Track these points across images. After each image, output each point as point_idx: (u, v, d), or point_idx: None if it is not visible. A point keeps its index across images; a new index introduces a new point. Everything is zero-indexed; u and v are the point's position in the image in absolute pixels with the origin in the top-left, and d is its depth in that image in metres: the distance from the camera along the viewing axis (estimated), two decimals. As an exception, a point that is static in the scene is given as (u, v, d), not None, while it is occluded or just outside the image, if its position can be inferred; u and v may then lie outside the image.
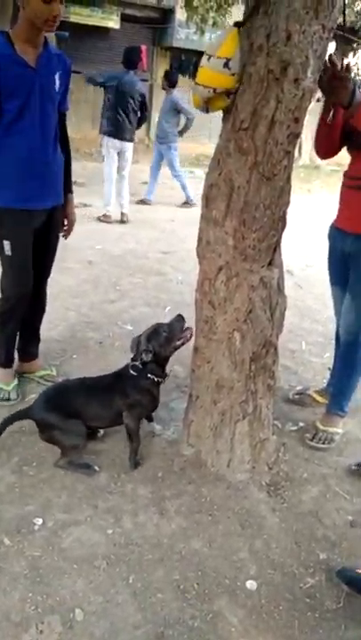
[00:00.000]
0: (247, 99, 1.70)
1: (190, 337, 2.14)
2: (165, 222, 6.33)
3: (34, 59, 2.10)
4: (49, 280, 2.61)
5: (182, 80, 13.73)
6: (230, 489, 2.08)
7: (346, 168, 2.35)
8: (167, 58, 13.57)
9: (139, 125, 6.11)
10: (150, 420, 2.39)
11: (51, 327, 3.18)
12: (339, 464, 2.31)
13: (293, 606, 1.65)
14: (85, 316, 3.51)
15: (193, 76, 13.35)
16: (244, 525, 1.92)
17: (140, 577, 1.68)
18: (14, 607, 1.55)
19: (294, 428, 2.52)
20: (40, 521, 1.85)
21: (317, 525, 1.97)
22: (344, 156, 2.39)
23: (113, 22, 12.39)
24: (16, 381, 2.52)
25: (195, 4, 9.30)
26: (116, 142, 5.93)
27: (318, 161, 12.62)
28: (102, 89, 6.03)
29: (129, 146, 6.05)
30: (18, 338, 2.57)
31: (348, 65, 1.89)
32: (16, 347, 2.71)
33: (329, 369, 2.93)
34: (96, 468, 2.10)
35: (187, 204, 7.11)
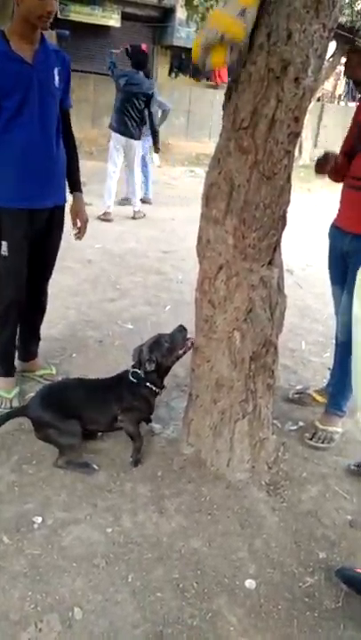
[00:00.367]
0: (247, 97, 1.70)
1: (191, 346, 2.16)
2: (165, 221, 6.33)
3: (30, 55, 2.09)
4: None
5: (182, 79, 13.79)
6: (230, 488, 2.08)
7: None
8: (167, 57, 13.58)
9: (152, 128, 6.05)
10: (148, 421, 2.39)
11: (50, 326, 3.18)
12: (338, 464, 2.31)
13: (292, 605, 1.65)
14: (85, 315, 3.51)
15: (193, 74, 13.40)
16: (243, 525, 1.92)
17: (139, 576, 1.68)
18: (13, 605, 1.55)
19: (294, 427, 2.52)
20: (39, 519, 1.85)
21: (317, 525, 1.97)
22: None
23: (113, 21, 12.39)
24: (17, 389, 2.49)
25: (195, 2, 9.30)
26: (122, 139, 5.97)
27: (318, 160, 12.61)
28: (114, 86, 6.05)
29: (135, 144, 6.05)
30: (18, 337, 2.56)
31: None
32: (16, 345, 2.72)
33: (329, 369, 2.93)
34: (95, 466, 2.10)
35: (126, 200, 6.64)
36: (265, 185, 1.80)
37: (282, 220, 1.93)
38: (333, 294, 2.54)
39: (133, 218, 6.19)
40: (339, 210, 2.40)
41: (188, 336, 2.18)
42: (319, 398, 2.70)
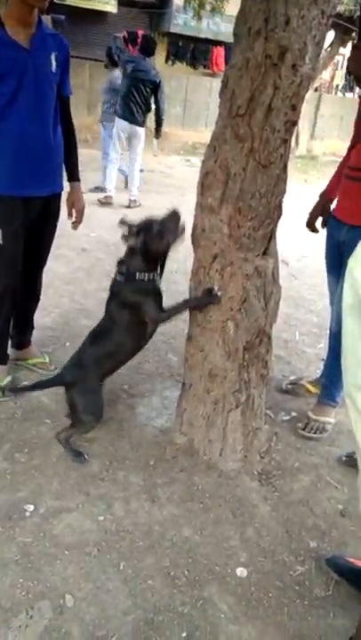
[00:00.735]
0: (244, 84, 1.68)
1: (183, 231, 1.98)
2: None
3: (26, 39, 2.04)
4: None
5: (179, 67, 13.65)
6: (222, 477, 2.08)
7: (347, 158, 2.34)
8: (164, 43, 13.42)
9: (158, 115, 6.10)
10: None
11: (44, 314, 3.17)
12: (330, 454, 2.32)
13: (283, 594, 1.66)
14: (79, 304, 3.49)
15: (190, 62, 13.28)
16: (235, 513, 1.93)
17: (130, 564, 1.69)
18: (4, 593, 1.55)
19: (287, 417, 2.53)
20: (31, 507, 1.85)
21: (308, 514, 1.98)
22: (341, 147, 2.38)
23: (110, 6, 12.23)
24: (10, 377, 2.48)
25: (193, -11, 9.19)
26: (127, 126, 5.96)
27: (315, 151, 12.58)
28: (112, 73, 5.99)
29: (139, 130, 6.04)
30: (11, 325, 2.54)
31: None
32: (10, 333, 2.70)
33: (322, 360, 2.93)
34: (86, 456, 2.09)
35: (99, 188, 6.52)
36: (261, 174, 1.79)
37: (277, 210, 1.91)
38: (329, 284, 2.54)
39: (129, 207, 6.17)
40: (337, 200, 2.40)
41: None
42: (312, 389, 2.70)
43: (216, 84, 11.07)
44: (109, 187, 6.14)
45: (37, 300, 2.64)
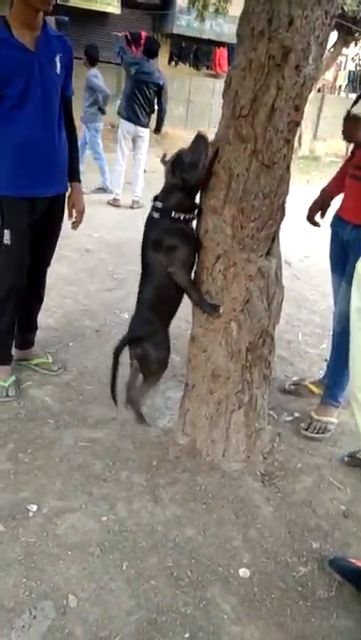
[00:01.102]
0: (248, 85, 1.68)
1: (212, 151, 1.87)
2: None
3: (32, 42, 2.05)
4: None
5: (182, 68, 13.67)
6: (225, 478, 2.08)
7: (351, 156, 2.34)
8: (167, 45, 13.43)
9: (160, 115, 6.13)
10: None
11: (47, 315, 3.17)
12: (333, 454, 2.31)
13: (286, 595, 1.66)
14: (82, 305, 3.49)
15: (193, 63, 13.26)
16: (238, 514, 1.93)
17: (133, 564, 1.69)
18: (8, 593, 1.56)
19: (290, 418, 2.53)
20: (35, 507, 1.85)
21: (311, 515, 1.98)
22: (343, 148, 2.38)
23: (113, 7, 12.25)
24: (14, 377, 2.48)
25: (196, -10, 9.19)
26: (131, 127, 5.99)
27: (318, 152, 12.57)
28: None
29: (144, 131, 6.07)
30: (15, 325, 2.55)
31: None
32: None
33: (325, 360, 2.93)
34: (149, 423, 2.24)
35: (101, 189, 6.62)
36: (264, 174, 1.79)
37: (280, 211, 1.91)
38: (333, 284, 2.54)
39: (132, 207, 6.18)
40: (342, 199, 2.40)
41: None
42: (315, 389, 2.70)
43: (219, 84, 11.07)
44: (117, 190, 6.17)
45: (41, 300, 2.64)
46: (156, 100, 5.98)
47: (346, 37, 10.75)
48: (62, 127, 2.27)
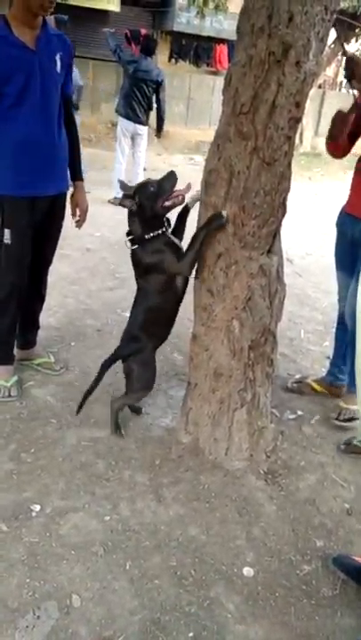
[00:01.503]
0: (248, 82, 1.67)
1: (182, 200, 2.01)
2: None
3: (32, 40, 2.05)
4: (47, 268, 2.59)
5: (182, 65, 13.64)
6: (228, 477, 2.08)
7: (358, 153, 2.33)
8: (167, 42, 13.40)
9: (158, 114, 6.13)
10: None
11: (49, 314, 3.17)
12: (336, 452, 2.31)
13: (290, 593, 1.65)
14: (84, 304, 3.49)
15: (193, 61, 13.24)
16: (241, 513, 1.93)
17: (136, 563, 1.69)
18: (11, 593, 1.56)
19: (293, 416, 2.52)
20: (38, 507, 1.85)
21: (314, 513, 1.97)
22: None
23: (113, 5, 12.21)
24: (16, 377, 2.48)
25: (196, -13, 9.17)
26: (130, 125, 5.99)
27: (319, 148, 12.53)
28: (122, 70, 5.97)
29: (143, 129, 6.07)
30: (17, 325, 2.54)
31: None
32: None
33: (328, 357, 2.92)
34: (123, 432, 2.22)
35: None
36: (265, 171, 1.78)
37: (282, 208, 1.90)
38: (339, 281, 2.52)
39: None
40: (349, 196, 2.38)
41: (180, 189, 1.99)
42: (318, 388, 2.69)
43: (219, 82, 11.04)
44: (118, 188, 6.18)
45: (43, 300, 2.64)
46: (154, 98, 5.98)
47: (347, 33, 10.72)
48: (62, 125, 2.27)
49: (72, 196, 2.47)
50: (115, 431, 2.22)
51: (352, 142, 2.33)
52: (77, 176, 2.46)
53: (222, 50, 13.76)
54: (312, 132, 12.74)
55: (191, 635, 1.50)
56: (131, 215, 2.04)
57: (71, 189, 2.47)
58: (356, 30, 10.27)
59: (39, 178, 2.20)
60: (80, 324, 3.20)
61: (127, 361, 2.18)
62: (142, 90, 5.83)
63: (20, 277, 2.32)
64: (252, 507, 1.96)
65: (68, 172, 2.42)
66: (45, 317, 2.90)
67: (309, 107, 11.82)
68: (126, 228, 2.08)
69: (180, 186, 2.01)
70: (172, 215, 2.09)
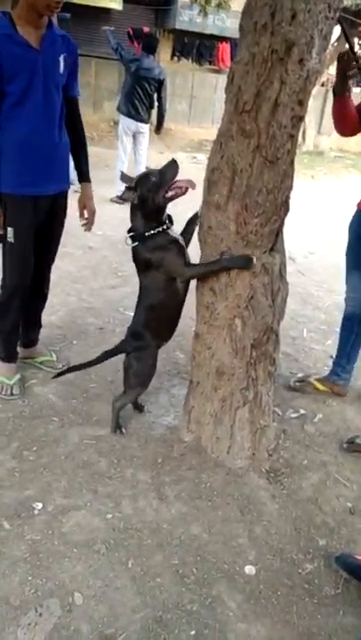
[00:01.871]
0: (251, 80, 1.66)
1: (185, 190, 1.97)
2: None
3: (37, 40, 2.04)
4: (49, 266, 2.59)
5: (185, 63, 13.62)
6: (230, 475, 2.08)
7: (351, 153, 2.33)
8: (170, 40, 13.37)
9: (159, 112, 6.13)
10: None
11: (51, 313, 3.17)
12: (339, 451, 2.30)
13: (292, 592, 1.65)
14: (86, 302, 3.49)
15: (195, 59, 13.20)
16: (243, 511, 1.93)
17: (139, 561, 1.69)
18: (14, 590, 1.56)
19: (295, 415, 2.52)
20: (40, 505, 1.85)
21: (317, 512, 1.97)
22: (348, 142, 2.35)
23: (115, 3, 12.19)
24: (19, 376, 2.48)
25: (198, -15, 9.15)
26: (132, 123, 5.99)
27: (322, 147, 12.50)
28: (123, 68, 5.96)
29: (144, 127, 6.07)
30: (20, 324, 2.54)
31: None
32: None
33: (331, 357, 2.92)
34: (124, 430, 2.23)
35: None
36: (268, 170, 1.77)
37: (284, 206, 1.90)
38: (351, 280, 2.52)
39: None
40: None
41: (183, 179, 1.96)
42: (320, 386, 2.69)
43: (222, 80, 11.00)
44: (120, 186, 6.18)
45: (45, 298, 2.64)
46: (156, 96, 5.98)
47: (350, 31, 10.68)
48: (63, 126, 2.25)
49: (80, 197, 2.46)
50: (115, 430, 2.23)
51: None
52: (84, 177, 2.44)
53: (225, 48, 13.72)
54: (315, 131, 12.69)
55: (193, 633, 1.50)
56: (133, 209, 2.02)
57: (76, 189, 2.47)
58: (359, 28, 10.23)
59: (40, 177, 2.20)
60: (82, 323, 3.20)
61: (128, 356, 2.19)
62: (144, 88, 5.83)
63: (23, 276, 2.32)
64: (255, 505, 1.96)
65: (76, 173, 2.42)
66: (47, 316, 2.90)
67: (312, 105, 11.79)
68: (128, 227, 2.07)
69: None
70: (177, 216, 2.08)
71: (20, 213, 2.21)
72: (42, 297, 2.61)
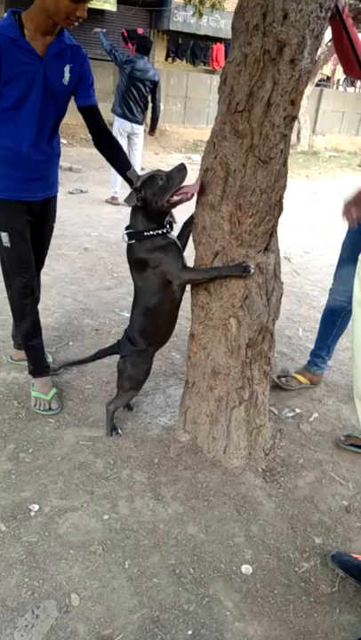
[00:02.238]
0: (243, 80, 1.67)
1: (191, 196, 1.92)
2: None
3: (43, 47, 1.95)
4: (45, 268, 2.57)
5: (179, 64, 13.64)
6: (226, 475, 2.08)
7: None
8: (164, 41, 13.41)
9: (153, 113, 6.16)
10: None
11: (47, 314, 3.17)
12: (335, 450, 2.31)
13: (288, 590, 1.66)
14: (82, 303, 3.49)
15: (190, 60, 13.23)
16: (240, 511, 1.93)
17: (135, 562, 1.69)
18: (10, 592, 1.56)
19: (291, 414, 2.52)
20: (36, 507, 1.85)
21: (313, 510, 1.98)
22: (343, 142, 2.36)
23: (109, 5, 12.20)
24: (55, 390, 2.42)
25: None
26: (126, 124, 6.00)
27: (317, 147, 12.54)
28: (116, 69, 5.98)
29: (139, 128, 6.09)
30: (14, 326, 2.53)
31: None
32: (12, 333, 2.70)
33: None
34: (120, 432, 2.24)
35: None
36: (261, 169, 1.78)
37: (278, 206, 1.90)
38: (346, 276, 2.52)
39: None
40: None
41: (190, 184, 1.91)
42: (302, 379, 2.72)
43: (216, 80, 11.03)
44: (115, 187, 6.18)
45: (37, 301, 2.61)
46: (150, 97, 6.00)
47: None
48: (56, 135, 2.20)
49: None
50: (110, 433, 2.22)
51: None
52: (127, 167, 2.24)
53: (219, 49, 13.76)
54: (310, 131, 12.74)
55: (190, 632, 1.50)
56: (135, 209, 1.98)
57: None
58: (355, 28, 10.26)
59: (29, 184, 2.15)
60: (78, 324, 3.20)
61: (124, 359, 2.18)
62: (139, 89, 5.84)
63: (26, 277, 2.27)
64: (251, 504, 1.96)
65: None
66: (43, 317, 2.90)
67: (307, 105, 11.83)
68: (124, 228, 2.06)
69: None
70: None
71: (13, 217, 2.17)
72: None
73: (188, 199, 1.93)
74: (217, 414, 2.11)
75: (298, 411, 2.55)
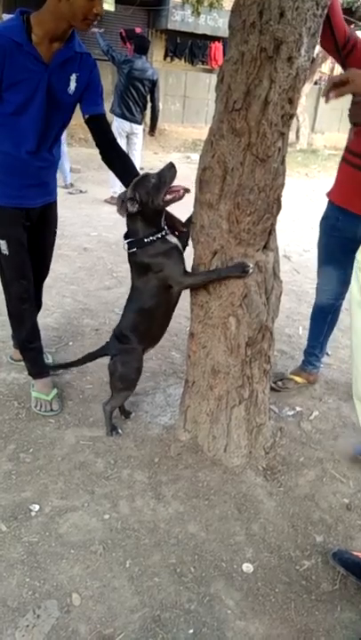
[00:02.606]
0: (240, 78, 1.66)
1: (183, 194, 1.94)
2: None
3: (50, 53, 1.87)
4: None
5: (178, 63, 13.63)
6: (227, 473, 2.08)
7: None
8: (162, 40, 13.38)
9: (153, 113, 6.15)
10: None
11: (47, 314, 3.17)
12: (335, 448, 2.31)
13: (289, 589, 1.66)
14: (81, 303, 3.49)
15: (188, 59, 13.21)
16: (240, 509, 1.93)
17: (136, 561, 1.69)
18: (11, 592, 1.56)
19: (291, 412, 2.52)
20: (37, 507, 1.85)
21: (314, 509, 1.98)
22: (342, 140, 2.36)
23: (107, 4, 12.16)
24: (56, 390, 2.42)
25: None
26: (125, 124, 6.00)
27: (316, 145, 12.52)
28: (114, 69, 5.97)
29: (138, 128, 6.08)
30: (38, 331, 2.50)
31: None
32: (12, 334, 2.70)
33: (328, 354, 2.93)
34: (120, 431, 2.24)
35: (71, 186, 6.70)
36: (259, 168, 1.78)
37: (276, 204, 1.90)
38: (328, 275, 2.53)
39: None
40: (345, 192, 2.30)
41: (180, 185, 1.92)
42: (299, 379, 2.72)
43: (215, 79, 11.01)
44: (114, 187, 6.18)
45: (39, 308, 2.58)
46: (149, 97, 5.99)
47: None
48: (58, 142, 2.16)
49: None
50: (110, 433, 2.22)
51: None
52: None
53: (218, 47, 13.73)
54: (309, 129, 12.72)
55: (191, 631, 1.50)
56: (131, 216, 1.97)
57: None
58: (352, 26, 10.26)
59: (29, 193, 2.13)
60: (78, 324, 3.20)
61: (113, 359, 2.17)
62: (138, 89, 5.83)
63: (25, 285, 2.25)
64: (252, 503, 1.96)
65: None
66: (43, 317, 2.90)
67: (306, 103, 11.80)
68: (124, 228, 2.06)
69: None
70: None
71: (11, 225, 2.13)
72: (37, 306, 2.55)
73: (181, 197, 1.94)
74: (217, 413, 2.11)
75: (298, 409, 2.55)
